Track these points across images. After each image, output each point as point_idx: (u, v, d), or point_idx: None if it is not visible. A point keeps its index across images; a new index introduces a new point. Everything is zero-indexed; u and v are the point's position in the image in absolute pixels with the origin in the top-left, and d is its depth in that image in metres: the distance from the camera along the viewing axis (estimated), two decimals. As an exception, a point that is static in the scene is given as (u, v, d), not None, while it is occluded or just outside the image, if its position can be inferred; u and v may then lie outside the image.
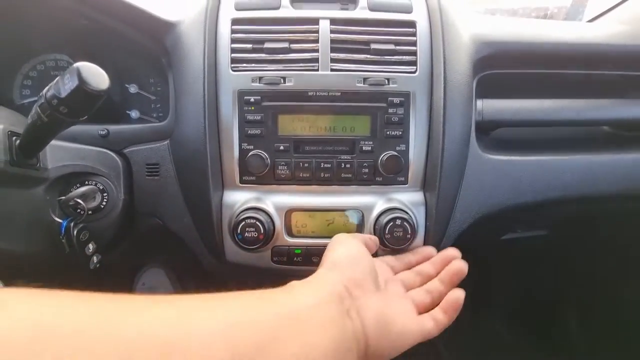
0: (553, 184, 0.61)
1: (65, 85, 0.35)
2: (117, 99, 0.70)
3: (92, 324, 0.23)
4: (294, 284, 0.37)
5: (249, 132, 0.55)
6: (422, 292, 0.45)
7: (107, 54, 0.66)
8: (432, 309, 0.43)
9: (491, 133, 0.69)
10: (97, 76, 0.37)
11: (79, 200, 0.49)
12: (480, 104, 0.63)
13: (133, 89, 0.71)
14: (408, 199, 0.56)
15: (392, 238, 0.52)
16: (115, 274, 1.14)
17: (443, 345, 1.02)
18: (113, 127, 0.59)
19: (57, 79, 0.37)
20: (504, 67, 0.64)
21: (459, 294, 0.43)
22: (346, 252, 0.42)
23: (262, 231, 0.52)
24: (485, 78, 0.64)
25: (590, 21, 0.85)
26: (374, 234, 0.54)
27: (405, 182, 0.57)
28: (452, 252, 0.50)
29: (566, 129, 0.74)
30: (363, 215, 0.56)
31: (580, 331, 0.97)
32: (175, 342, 0.24)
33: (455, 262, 0.47)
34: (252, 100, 0.54)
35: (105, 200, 0.54)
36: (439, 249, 0.58)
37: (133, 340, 0.23)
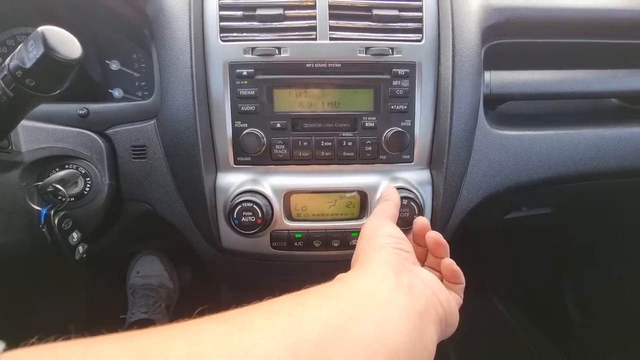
0: (563, 160, 0.59)
1: (29, 53, 0.31)
2: (97, 77, 0.65)
3: None
4: (342, 275, 0.34)
5: (242, 108, 0.51)
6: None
7: (85, 27, 0.60)
8: None
9: (497, 107, 0.66)
10: (66, 43, 0.32)
11: (58, 186, 0.45)
12: (487, 76, 0.60)
13: (115, 65, 0.66)
14: (414, 177, 0.53)
15: (398, 219, 0.49)
16: (109, 262, 1.11)
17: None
18: (93, 106, 0.54)
19: (19, 46, 0.32)
20: (514, 36, 0.60)
21: (449, 262, 0.40)
22: (388, 231, 0.39)
23: (259, 215, 0.49)
24: (492, 48, 0.60)
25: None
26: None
27: (410, 160, 0.53)
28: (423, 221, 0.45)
29: (573, 104, 0.71)
30: (367, 196, 0.52)
31: (581, 318, 0.97)
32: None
33: (429, 233, 0.42)
34: (244, 73, 0.50)
35: (88, 185, 0.50)
36: (445, 229, 0.55)
37: None
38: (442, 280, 0.40)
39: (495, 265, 1.12)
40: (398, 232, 0.39)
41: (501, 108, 0.66)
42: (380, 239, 0.37)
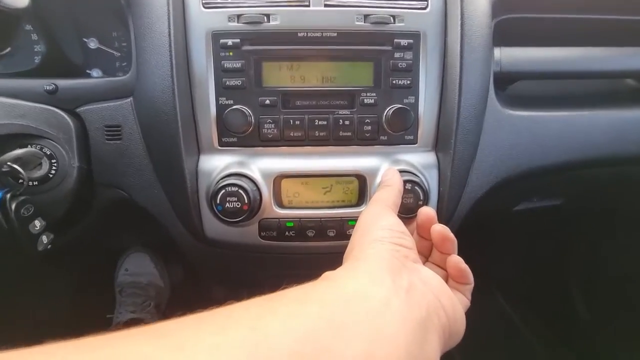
0: (579, 143, 0.54)
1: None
2: (74, 56, 0.60)
3: None
4: (328, 274, 0.29)
5: (228, 83, 0.46)
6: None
7: (60, 1, 0.55)
8: None
9: (507, 89, 0.61)
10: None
11: (16, 167, 0.40)
12: (497, 52, 0.55)
13: (93, 44, 0.61)
14: (418, 160, 0.48)
15: (401, 206, 0.44)
16: (97, 260, 1.06)
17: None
18: (63, 82, 0.49)
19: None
20: (525, 11, 0.55)
21: (457, 259, 0.35)
22: (387, 223, 0.34)
23: (245, 201, 0.43)
24: (502, 24, 0.55)
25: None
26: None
27: (414, 141, 0.48)
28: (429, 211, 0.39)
29: (586, 85, 0.66)
30: (366, 181, 0.47)
31: (590, 318, 0.92)
32: None
33: (435, 226, 0.37)
34: (229, 43, 0.45)
35: (54, 168, 0.44)
36: (452, 218, 0.50)
37: None
38: (447, 280, 0.35)
39: (501, 263, 1.07)
40: (399, 224, 0.34)
41: (511, 89, 0.61)
42: (378, 232, 0.32)
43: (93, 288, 1.07)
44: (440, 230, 0.35)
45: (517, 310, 1.02)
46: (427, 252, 0.39)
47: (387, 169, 0.46)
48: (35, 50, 0.57)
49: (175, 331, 0.19)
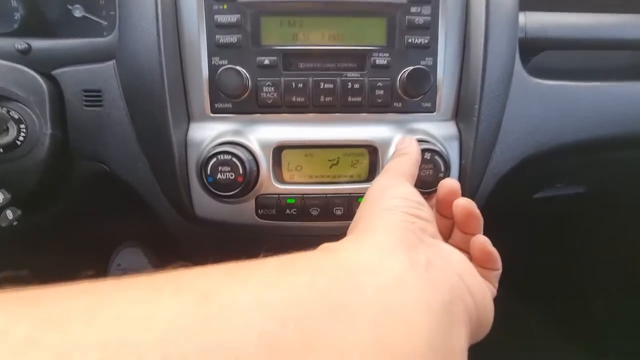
0: (615, 117, 0.49)
1: None
2: (57, 25, 0.55)
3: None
4: (327, 245, 0.23)
5: (222, 40, 0.40)
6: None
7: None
8: None
9: (531, 61, 0.55)
10: None
11: (-26, 128, 0.34)
12: (522, 18, 0.49)
13: (78, 11, 0.56)
14: (436, 131, 0.43)
15: (418, 178, 0.38)
16: (89, 254, 1.01)
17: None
18: (38, 42, 0.44)
19: None
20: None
21: (483, 239, 0.29)
22: (401, 192, 0.29)
23: (240, 172, 0.38)
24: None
25: None
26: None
27: (432, 109, 0.43)
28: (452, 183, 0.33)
29: (618, 62, 0.61)
30: (378, 152, 0.42)
31: (607, 319, 0.86)
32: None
33: (458, 200, 0.31)
34: (224, -6, 0.40)
35: (22, 134, 0.39)
36: (476, 195, 0.45)
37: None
38: None
39: (514, 260, 1.01)
40: (414, 193, 0.29)
41: (534, 62, 0.55)
42: (390, 201, 0.27)
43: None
44: (464, 204, 0.30)
45: (529, 306, 0.96)
46: (446, 233, 0.33)
47: (402, 137, 0.40)
48: (15, 17, 0.52)
49: (114, 289, 0.15)
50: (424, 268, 0.22)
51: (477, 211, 0.30)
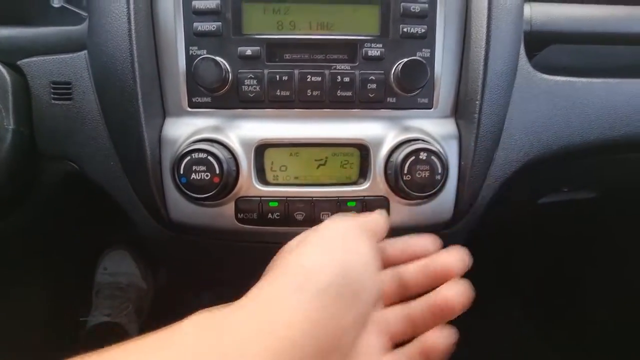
0: (628, 116, 0.45)
1: None
2: (32, 14, 0.52)
3: None
4: (194, 318, 0.21)
5: (200, 28, 0.37)
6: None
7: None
8: None
9: (535, 57, 0.52)
10: None
11: None
12: (527, 9, 0.46)
13: (56, 1, 0.53)
14: (434, 129, 0.39)
15: (413, 181, 0.35)
16: (75, 257, 0.99)
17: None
18: (1, 30, 0.41)
19: None
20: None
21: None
22: (338, 261, 0.24)
23: (217, 172, 0.34)
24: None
25: None
26: (386, 180, 0.37)
27: (429, 105, 0.40)
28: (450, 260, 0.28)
29: (625, 59, 0.57)
30: (369, 152, 0.38)
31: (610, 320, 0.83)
32: None
33: (443, 289, 0.26)
34: (202, -22, 0.36)
35: (-20, 129, 0.36)
36: (476, 200, 0.41)
37: None
38: None
39: (513, 265, 0.98)
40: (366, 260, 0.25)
41: (539, 59, 0.52)
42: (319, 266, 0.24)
43: (71, 289, 1.00)
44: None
45: (530, 313, 0.93)
46: None
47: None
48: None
49: None
50: None
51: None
